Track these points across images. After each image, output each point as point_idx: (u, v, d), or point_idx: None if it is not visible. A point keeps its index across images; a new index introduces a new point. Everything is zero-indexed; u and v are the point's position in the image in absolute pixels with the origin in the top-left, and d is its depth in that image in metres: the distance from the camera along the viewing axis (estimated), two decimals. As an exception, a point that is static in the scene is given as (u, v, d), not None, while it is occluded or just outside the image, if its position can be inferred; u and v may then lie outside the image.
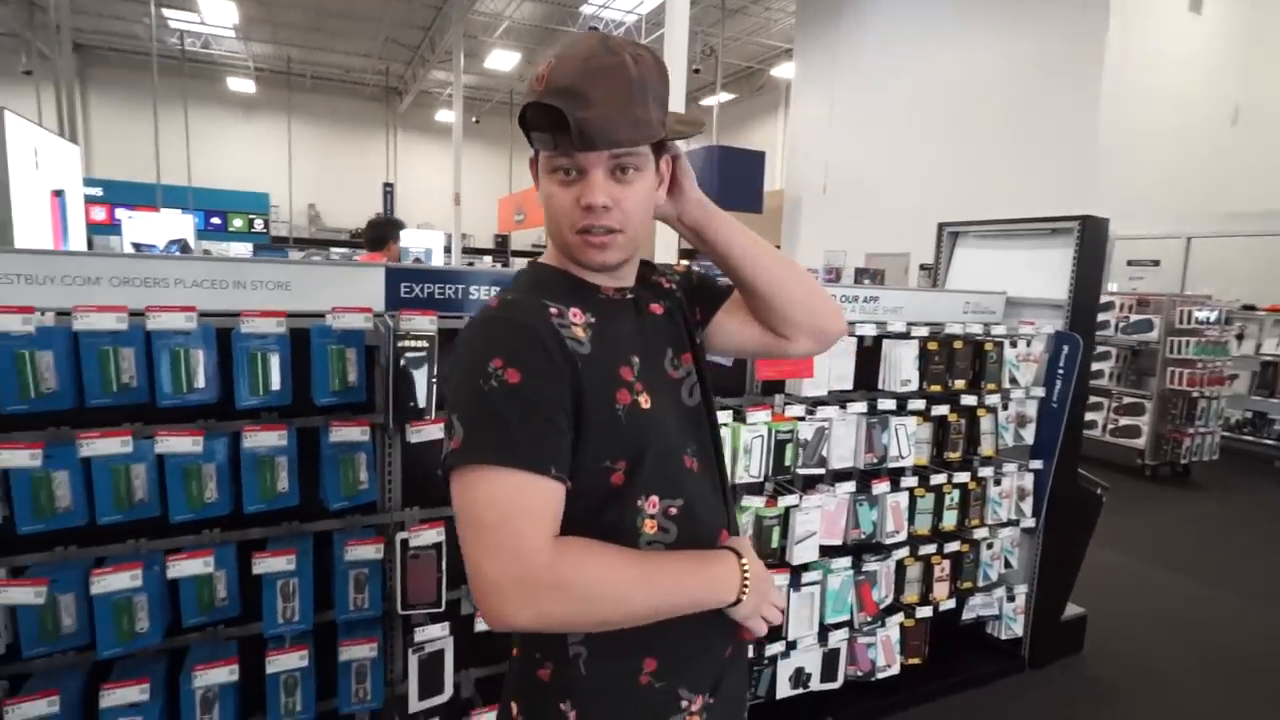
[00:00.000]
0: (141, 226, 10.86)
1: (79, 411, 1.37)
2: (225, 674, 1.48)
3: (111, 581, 1.37)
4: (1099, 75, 7.47)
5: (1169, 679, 2.77)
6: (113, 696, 1.39)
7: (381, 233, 4.47)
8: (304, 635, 1.59)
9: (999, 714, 2.48)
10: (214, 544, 1.50)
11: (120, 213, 12.17)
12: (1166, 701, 2.61)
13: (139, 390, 1.41)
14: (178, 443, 1.38)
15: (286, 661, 1.54)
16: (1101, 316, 5.95)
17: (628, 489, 0.83)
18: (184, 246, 10.45)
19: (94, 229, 12.66)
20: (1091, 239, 2.55)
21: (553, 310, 0.82)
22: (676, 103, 5.35)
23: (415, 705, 1.68)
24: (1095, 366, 6.06)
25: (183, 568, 1.43)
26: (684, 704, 0.87)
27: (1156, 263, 6.65)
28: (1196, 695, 2.67)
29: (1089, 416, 6.06)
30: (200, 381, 1.44)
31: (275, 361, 1.49)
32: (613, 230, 0.81)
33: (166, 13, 13.72)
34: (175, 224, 11.25)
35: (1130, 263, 6.80)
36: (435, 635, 1.69)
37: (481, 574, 0.71)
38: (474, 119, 18.74)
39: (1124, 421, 5.88)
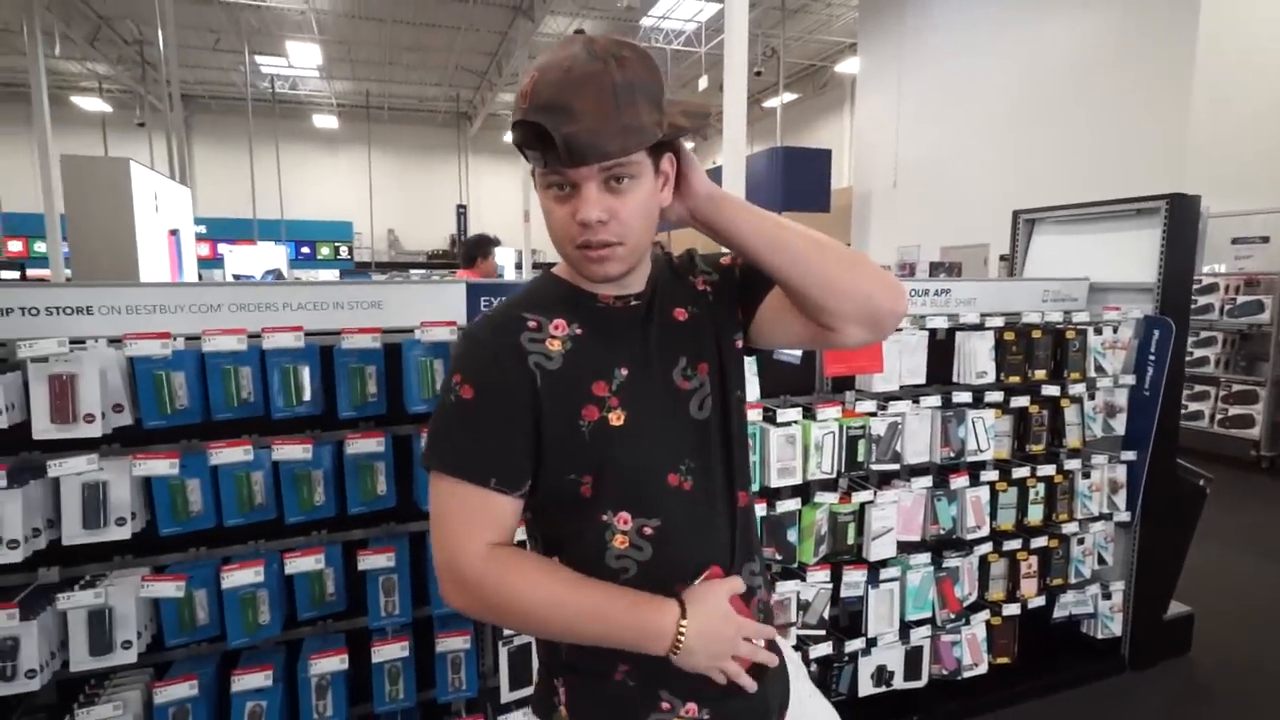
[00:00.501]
0: (240, 259, 11.74)
1: (206, 425, 1.55)
2: (337, 663, 1.62)
3: (239, 577, 1.53)
4: (1192, 46, 7.00)
5: (1294, 685, 2.57)
6: (242, 682, 1.55)
7: (472, 250, 4.68)
8: (404, 628, 1.72)
9: (1098, 715, 2.37)
10: (323, 543, 1.65)
11: (221, 247, 13.19)
12: (1291, 708, 2.43)
13: (255, 404, 1.57)
14: (291, 450, 1.53)
15: (389, 651, 1.67)
16: (1204, 299, 5.58)
17: (595, 502, 0.84)
18: (278, 276, 11.22)
19: (199, 264, 13.74)
20: (1180, 217, 2.43)
21: (531, 324, 0.84)
22: (737, 106, 5.38)
23: (506, 696, 1.78)
24: (1200, 353, 5.67)
25: (298, 564, 1.57)
26: (665, 706, 0.86)
27: (1265, 239, 6.14)
28: (1326, 702, 2.47)
29: (1195, 407, 5.67)
30: (307, 395, 1.60)
31: (372, 374, 1.62)
32: (610, 243, 0.79)
33: (258, 59, 14.80)
34: (270, 255, 12.11)
35: (1236, 240, 6.31)
36: (523, 629, 1.78)
37: (434, 559, 0.82)
38: (540, 137, 19.23)
39: (1235, 411, 5.46)
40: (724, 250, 0.94)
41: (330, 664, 1.61)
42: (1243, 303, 5.44)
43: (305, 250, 17.27)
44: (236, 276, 11.10)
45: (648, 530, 0.84)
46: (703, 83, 12.47)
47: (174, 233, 4.04)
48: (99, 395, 1.40)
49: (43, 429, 1.37)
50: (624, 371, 0.85)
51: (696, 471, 0.87)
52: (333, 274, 15.66)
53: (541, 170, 0.78)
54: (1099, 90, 7.89)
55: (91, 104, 16.11)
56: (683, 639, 0.79)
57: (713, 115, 0.88)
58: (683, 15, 13.00)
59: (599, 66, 0.73)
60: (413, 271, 17.06)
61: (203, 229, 15.37)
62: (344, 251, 17.85)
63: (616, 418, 0.83)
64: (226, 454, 1.50)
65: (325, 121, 19.08)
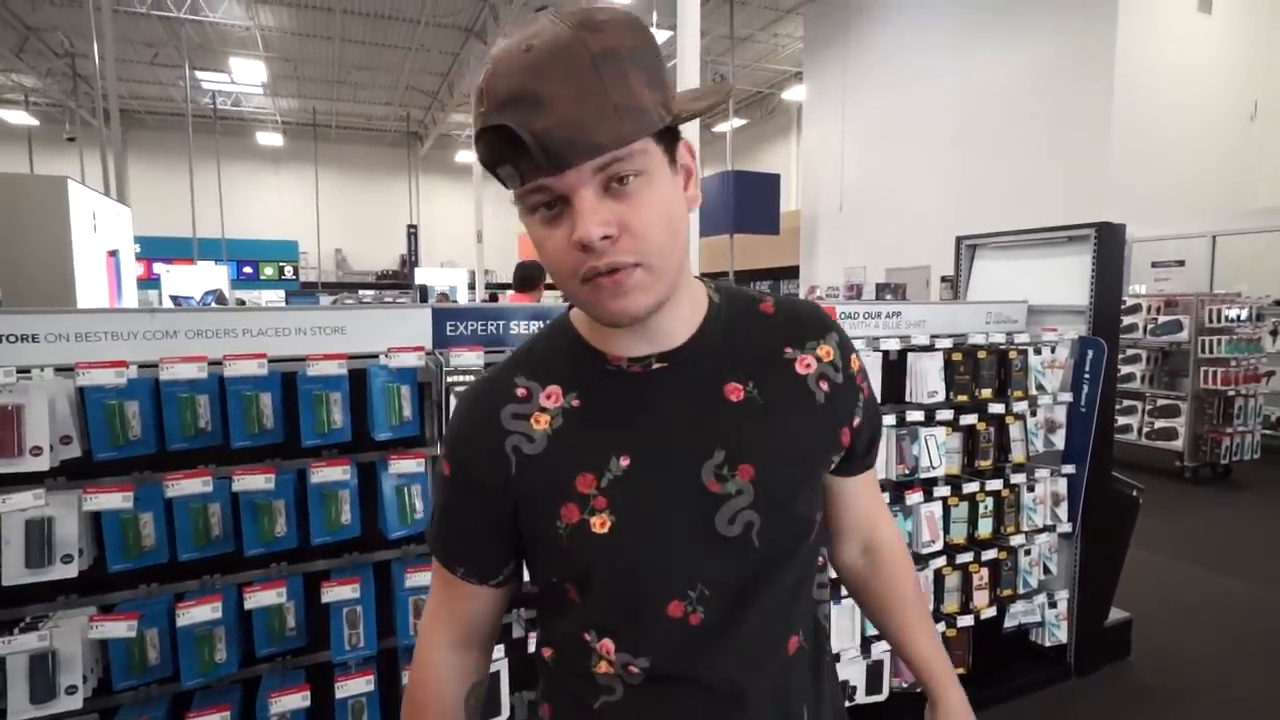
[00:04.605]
0: (178, 279, 11.30)
1: (160, 455, 1.49)
2: (298, 700, 1.57)
3: (195, 614, 1.47)
4: (1110, 80, 7.51)
5: (1221, 682, 2.72)
6: (197, 723, 1.48)
7: (532, 273, 4.67)
8: (369, 660, 1.67)
9: (1049, 723, 2.47)
10: (285, 575, 1.60)
11: (158, 267, 12.67)
12: (1222, 703, 2.57)
13: (213, 433, 1.53)
14: (252, 480, 1.49)
15: (354, 686, 1.63)
16: (1128, 319, 5.92)
17: (581, 613, 0.69)
18: (220, 297, 10.84)
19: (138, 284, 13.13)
20: (1108, 245, 2.59)
21: (520, 391, 0.69)
22: (689, 131, 5.51)
23: (474, 726, 1.75)
24: (1126, 370, 6.00)
25: (258, 599, 1.53)
26: None
27: (1181, 263, 6.60)
28: (1250, 697, 2.62)
29: (1124, 421, 5.98)
30: (269, 423, 1.56)
31: (337, 401, 1.60)
32: (624, 264, 0.58)
33: (199, 75, 14.39)
34: (210, 275, 11.69)
35: (1155, 264, 6.75)
36: (491, 657, 1.76)
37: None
38: (492, 158, 19.20)
39: (1160, 424, 5.80)
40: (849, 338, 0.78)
41: (291, 701, 1.56)
42: (1163, 322, 5.80)
43: (248, 270, 16.74)
44: (174, 297, 10.68)
45: (633, 669, 0.67)
46: (655, 107, 12.72)
47: (113, 254, 3.89)
48: (47, 427, 1.35)
49: (-14, 464, 1.31)
50: (623, 462, 0.65)
51: (712, 602, 0.66)
52: (277, 294, 15.20)
53: (520, 189, 0.58)
54: (1029, 121, 8.36)
55: (17, 117, 15.35)
56: None
57: (731, 94, 0.68)
58: (634, 41, 13.21)
59: (566, 36, 0.54)
60: (362, 292, 16.70)
61: (138, 248, 14.78)
62: (289, 271, 17.37)
63: (600, 523, 0.64)
64: (184, 485, 1.45)
65: (270, 139, 18.63)
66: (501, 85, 0.55)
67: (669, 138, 0.61)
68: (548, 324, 0.75)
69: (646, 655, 0.66)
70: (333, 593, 1.58)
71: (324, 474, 1.57)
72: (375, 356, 1.67)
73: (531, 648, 1.81)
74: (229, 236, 15.97)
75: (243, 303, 11.50)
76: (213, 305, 9.25)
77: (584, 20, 0.55)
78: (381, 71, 15.14)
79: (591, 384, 0.68)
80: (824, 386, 0.73)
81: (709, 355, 0.69)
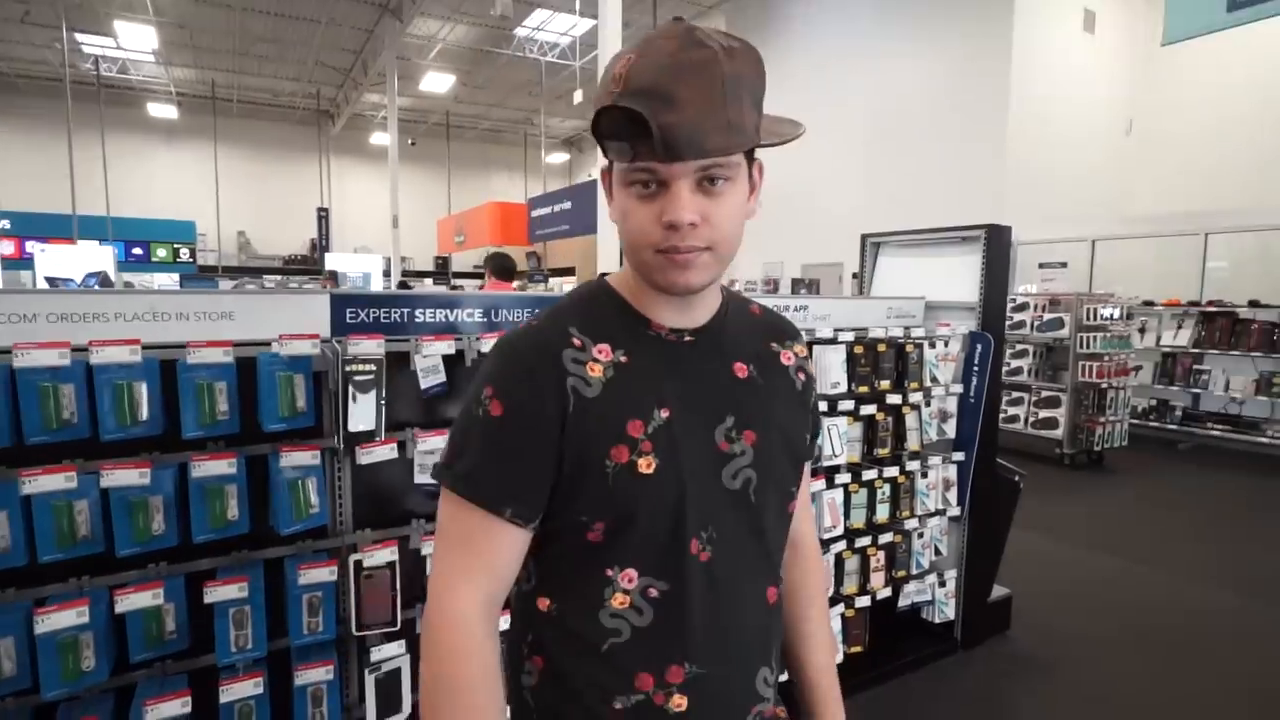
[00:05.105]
0: (56, 260, 10.35)
1: (17, 450, 1.37)
2: (177, 707, 1.48)
3: (56, 620, 1.36)
4: (1005, 91, 8.00)
5: (1092, 650, 2.98)
6: (60, 737, 1.37)
7: (508, 265, 4.89)
8: (258, 662, 1.60)
9: (935, 693, 2.63)
10: (163, 576, 1.50)
11: (31, 245, 11.57)
12: (1090, 672, 2.82)
13: (80, 426, 1.41)
14: (124, 475, 1.39)
15: (240, 690, 1.55)
16: (1018, 316, 6.35)
17: (602, 553, 0.76)
18: (104, 279, 9.99)
19: (2, 264, 12.00)
20: (996, 245, 2.77)
21: (575, 341, 0.77)
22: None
23: (374, 726, 1.71)
24: (1015, 364, 6.44)
25: (131, 601, 1.43)
26: None
27: (1064, 265, 7.13)
28: (1118, 663, 2.88)
29: (1012, 411, 6.43)
30: (144, 414, 1.45)
31: (222, 390, 1.51)
32: (699, 248, 0.71)
33: (79, 37, 13.16)
34: (93, 255, 10.77)
35: (1042, 265, 7.27)
36: (392, 654, 1.72)
37: (434, 567, 0.77)
38: (410, 141, 18.56)
39: (1044, 414, 6.26)
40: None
41: (170, 708, 1.47)
42: (1047, 319, 6.26)
43: (138, 251, 15.50)
44: (50, 279, 9.78)
45: (653, 592, 0.76)
46: (577, 96, 12.60)
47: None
48: (-125, 419, 1.21)
49: None
50: (664, 413, 0.76)
51: (718, 545, 0.78)
52: (171, 278, 14.16)
53: (627, 165, 0.69)
54: (933, 126, 8.81)
55: None
56: None
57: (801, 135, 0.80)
58: (557, 29, 13.06)
59: (709, 54, 0.66)
60: (266, 277, 15.83)
61: (5, 224, 13.45)
62: (185, 254, 16.21)
63: (646, 464, 0.74)
64: (42, 481, 1.33)
65: (163, 111, 17.28)
66: (641, 76, 0.66)
67: (751, 156, 0.75)
68: (586, 289, 0.84)
69: (667, 580, 0.76)
70: (216, 593, 1.50)
71: (207, 468, 1.48)
72: (267, 344, 1.59)
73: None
74: (116, 215, 14.74)
75: (129, 285, 10.67)
76: (95, 288, 8.53)
77: (723, 43, 0.68)
78: (288, 45, 14.30)
79: (637, 344, 0.78)
80: (801, 377, 0.89)
81: (724, 337, 0.83)
